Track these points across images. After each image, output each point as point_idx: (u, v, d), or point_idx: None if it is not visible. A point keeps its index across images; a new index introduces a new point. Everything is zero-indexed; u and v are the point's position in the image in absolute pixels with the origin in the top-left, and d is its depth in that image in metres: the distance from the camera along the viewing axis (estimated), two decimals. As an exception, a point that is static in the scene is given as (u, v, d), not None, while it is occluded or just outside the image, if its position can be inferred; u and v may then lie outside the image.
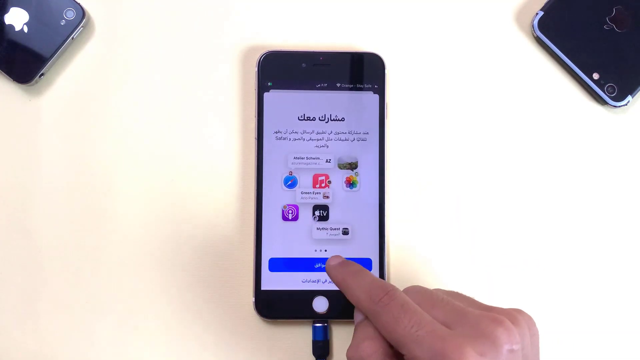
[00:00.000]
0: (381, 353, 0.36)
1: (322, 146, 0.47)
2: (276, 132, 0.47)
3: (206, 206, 0.48)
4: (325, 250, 0.47)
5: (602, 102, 0.49)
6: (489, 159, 0.49)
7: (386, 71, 0.48)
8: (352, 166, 0.47)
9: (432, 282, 0.48)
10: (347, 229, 0.47)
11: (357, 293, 0.39)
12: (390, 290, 0.38)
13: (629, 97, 0.49)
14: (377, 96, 0.48)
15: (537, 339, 0.37)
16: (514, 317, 0.36)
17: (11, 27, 0.48)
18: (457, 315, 0.36)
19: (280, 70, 0.48)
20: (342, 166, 0.47)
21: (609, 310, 0.48)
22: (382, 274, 0.47)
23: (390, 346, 0.37)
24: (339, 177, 0.47)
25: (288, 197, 0.47)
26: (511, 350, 0.34)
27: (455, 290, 0.40)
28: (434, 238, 0.48)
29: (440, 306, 0.36)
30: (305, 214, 0.47)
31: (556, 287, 0.48)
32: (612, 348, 0.48)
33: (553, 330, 0.48)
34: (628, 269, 0.49)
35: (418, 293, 0.38)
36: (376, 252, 0.47)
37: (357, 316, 0.40)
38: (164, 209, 0.48)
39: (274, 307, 0.46)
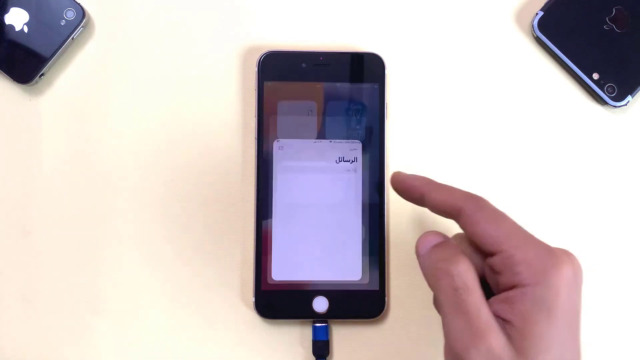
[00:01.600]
0: (473, 268, 0.35)
1: (322, 146, 0.48)
2: (276, 132, 0.47)
3: (206, 206, 0.48)
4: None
5: (602, 102, 0.49)
6: (489, 159, 0.49)
7: (386, 71, 0.48)
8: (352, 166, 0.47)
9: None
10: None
11: (453, 191, 0.37)
12: (483, 197, 0.37)
13: (629, 97, 0.49)
14: (377, 96, 0.48)
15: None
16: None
17: (11, 27, 0.48)
18: (534, 237, 0.35)
19: (280, 70, 0.48)
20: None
21: (608, 311, 0.48)
22: (382, 274, 0.47)
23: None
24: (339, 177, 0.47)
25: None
26: (580, 280, 0.35)
27: None
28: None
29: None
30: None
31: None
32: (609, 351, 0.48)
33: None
34: (628, 270, 0.49)
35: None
36: (376, 252, 0.47)
37: (427, 241, 0.37)
38: (164, 209, 0.48)
39: (274, 307, 0.46)
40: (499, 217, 0.35)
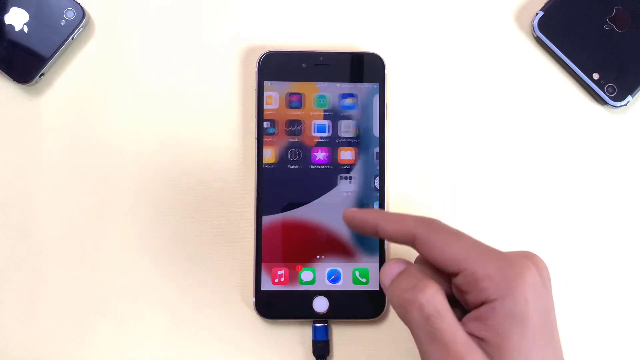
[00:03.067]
0: (441, 291, 0.34)
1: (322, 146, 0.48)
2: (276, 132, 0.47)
3: (206, 206, 0.48)
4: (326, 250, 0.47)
5: (602, 102, 0.49)
6: (489, 159, 0.49)
7: (386, 71, 0.48)
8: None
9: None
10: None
11: (403, 219, 0.37)
12: (435, 219, 0.37)
13: (629, 97, 0.49)
14: (377, 96, 0.48)
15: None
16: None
17: (11, 27, 0.48)
18: (492, 249, 0.35)
19: (280, 70, 0.48)
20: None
21: (608, 312, 0.48)
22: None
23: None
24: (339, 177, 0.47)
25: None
26: (547, 278, 0.35)
27: None
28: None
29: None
30: (306, 214, 0.47)
31: (555, 285, 0.48)
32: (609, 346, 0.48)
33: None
34: (629, 270, 0.49)
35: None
36: (376, 252, 0.47)
37: (390, 271, 0.37)
38: (164, 209, 0.48)
39: (274, 307, 0.46)
40: (454, 237, 0.35)
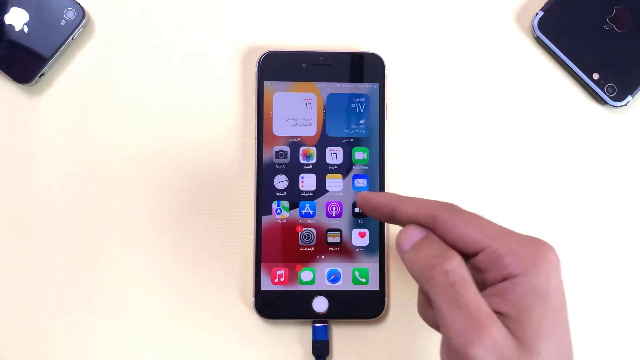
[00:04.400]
0: (463, 263, 0.34)
1: (322, 146, 0.48)
2: (276, 132, 0.47)
3: (206, 206, 0.48)
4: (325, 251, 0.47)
5: (602, 102, 0.49)
6: (489, 158, 0.49)
7: (386, 71, 0.48)
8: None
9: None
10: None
11: (423, 201, 0.37)
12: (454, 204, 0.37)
13: (629, 97, 0.49)
14: (377, 96, 0.48)
15: None
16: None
17: (11, 27, 0.48)
18: (513, 231, 0.35)
19: (280, 70, 0.48)
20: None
21: (606, 310, 0.48)
22: (382, 274, 0.47)
23: None
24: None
25: (288, 197, 0.47)
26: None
27: None
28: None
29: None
30: (305, 214, 0.47)
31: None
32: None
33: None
34: (629, 270, 0.49)
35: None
36: (376, 252, 0.47)
37: (410, 237, 0.36)
38: (164, 209, 0.48)
39: (274, 307, 0.46)
40: (475, 218, 0.35)
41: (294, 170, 0.47)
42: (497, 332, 0.32)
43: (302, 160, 0.47)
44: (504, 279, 0.34)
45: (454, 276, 0.33)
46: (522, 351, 0.32)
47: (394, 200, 0.37)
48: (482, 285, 0.35)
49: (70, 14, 0.48)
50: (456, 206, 0.36)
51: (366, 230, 0.47)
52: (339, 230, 0.47)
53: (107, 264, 0.48)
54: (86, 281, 0.47)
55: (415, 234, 0.36)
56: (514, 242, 0.34)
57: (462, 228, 0.35)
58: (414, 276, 0.36)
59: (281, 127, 0.48)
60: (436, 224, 0.36)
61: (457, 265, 0.34)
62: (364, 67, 0.48)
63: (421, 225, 0.36)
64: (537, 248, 0.34)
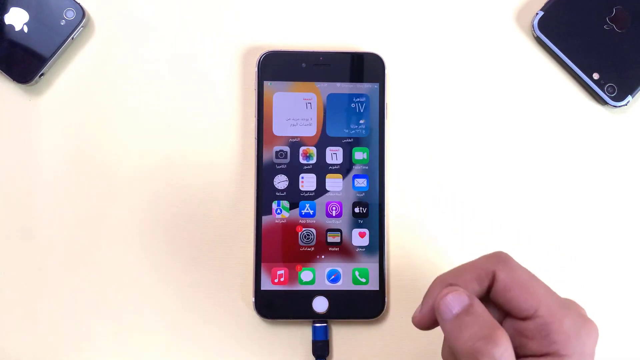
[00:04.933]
0: (510, 345, 0.33)
1: (322, 146, 0.48)
2: (276, 132, 0.47)
3: (206, 206, 0.48)
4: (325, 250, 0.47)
5: (602, 102, 0.49)
6: (489, 159, 0.49)
7: (386, 71, 0.48)
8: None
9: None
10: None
11: (473, 265, 0.35)
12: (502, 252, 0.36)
13: (629, 97, 0.49)
14: (377, 96, 0.48)
15: None
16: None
17: (11, 27, 0.48)
18: (563, 300, 0.35)
19: (280, 70, 0.48)
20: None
21: (609, 312, 0.48)
22: (382, 274, 0.47)
23: None
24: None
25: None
26: None
27: None
28: (434, 238, 0.48)
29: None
30: (305, 214, 0.47)
31: (554, 285, 0.48)
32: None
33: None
34: (629, 269, 0.49)
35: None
36: (376, 252, 0.47)
37: (452, 305, 0.34)
38: (163, 209, 0.48)
39: (274, 307, 0.46)
40: (530, 280, 0.35)
41: (294, 170, 0.47)
42: None
43: (302, 160, 0.47)
44: (548, 354, 0.33)
45: None
46: None
47: (441, 284, 0.35)
48: (521, 346, 0.34)
49: (70, 14, 0.48)
50: (508, 256, 0.35)
51: (366, 230, 0.47)
52: (339, 230, 0.47)
53: (107, 264, 0.48)
54: (86, 281, 0.47)
55: (457, 301, 0.34)
56: (567, 319, 0.34)
57: (519, 293, 0.34)
58: (455, 350, 0.34)
59: (281, 127, 0.48)
60: (495, 282, 0.35)
61: (505, 350, 0.32)
62: (364, 67, 0.48)
63: (482, 286, 0.35)
64: (585, 328, 0.34)
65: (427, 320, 0.36)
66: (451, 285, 0.35)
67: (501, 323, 0.35)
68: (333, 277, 0.47)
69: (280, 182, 0.47)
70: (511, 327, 0.35)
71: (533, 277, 0.35)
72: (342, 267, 0.47)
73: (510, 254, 0.49)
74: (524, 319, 0.34)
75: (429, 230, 0.48)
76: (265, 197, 0.47)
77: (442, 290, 0.35)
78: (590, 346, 0.34)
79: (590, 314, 0.49)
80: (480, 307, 0.34)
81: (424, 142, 0.49)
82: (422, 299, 0.36)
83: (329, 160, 0.48)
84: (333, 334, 0.47)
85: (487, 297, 0.35)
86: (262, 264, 0.46)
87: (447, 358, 0.37)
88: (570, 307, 0.35)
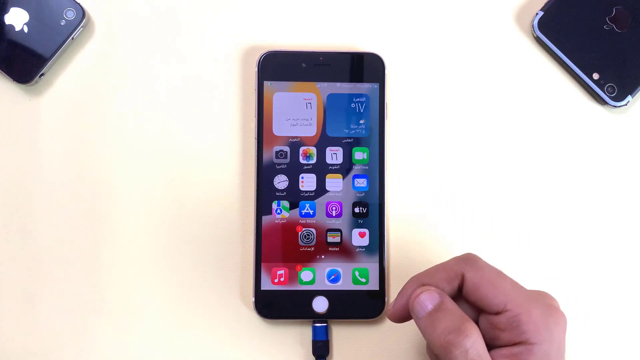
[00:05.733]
0: (480, 333, 0.36)
1: (322, 146, 0.48)
2: (276, 132, 0.47)
3: (206, 206, 0.48)
4: (325, 250, 0.47)
5: (602, 102, 0.49)
6: (489, 159, 0.49)
7: (386, 71, 0.48)
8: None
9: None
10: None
11: (444, 266, 0.39)
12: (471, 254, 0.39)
13: (629, 97, 0.49)
14: (377, 96, 0.48)
15: None
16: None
17: (11, 27, 0.48)
18: (531, 292, 0.38)
19: (280, 70, 0.48)
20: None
21: (609, 312, 0.48)
22: (382, 274, 0.47)
23: None
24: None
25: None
26: None
27: None
28: (434, 238, 0.48)
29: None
30: (305, 214, 0.47)
31: (554, 285, 0.48)
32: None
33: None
34: (629, 269, 0.49)
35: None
36: (376, 252, 0.47)
37: (424, 303, 0.38)
38: (164, 209, 0.48)
39: (274, 307, 0.46)
40: (498, 277, 0.37)
41: (294, 170, 0.47)
42: None
43: (302, 160, 0.47)
44: (519, 343, 0.36)
45: (472, 354, 0.35)
46: None
47: (415, 283, 0.39)
48: (493, 339, 0.37)
49: (70, 14, 0.48)
50: (478, 260, 0.38)
51: (366, 230, 0.47)
52: (339, 230, 0.47)
53: (107, 264, 0.48)
54: (86, 281, 0.47)
55: (428, 299, 0.37)
56: (535, 309, 0.36)
57: (487, 290, 0.37)
58: (430, 345, 0.37)
59: (281, 127, 0.48)
60: (464, 282, 0.38)
61: (475, 341, 0.35)
62: (364, 67, 0.48)
63: (451, 285, 0.38)
64: (554, 316, 0.36)
65: (400, 314, 0.39)
66: (424, 285, 0.38)
67: (477, 319, 0.38)
68: (333, 277, 0.47)
69: (280, 182, 0.47)
70: (485, 322, 0.37)
71: (500, 274, 0.38)
72: (342, 267, 0.47)
73: (510, 254, 0.49)
74: (496, 313, 0.37)
75: (429, 230, 0.48)
76: (265, 197, 0.47)
77: (415, 290, 0.38)
78: (559, 333, 0.36)
79: (590, 314, 0.49)
80: (450, 303, 0.37)
81: (423, 142, 0.49)
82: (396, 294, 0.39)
83: (329, 160, 0.48)
84: (333, 334, 0.47)
85: (461, 296, 0.38)
86: (262, 264, 0.46)
87: (430, 355, 0.40)
88: (539, 299, 0.37)
